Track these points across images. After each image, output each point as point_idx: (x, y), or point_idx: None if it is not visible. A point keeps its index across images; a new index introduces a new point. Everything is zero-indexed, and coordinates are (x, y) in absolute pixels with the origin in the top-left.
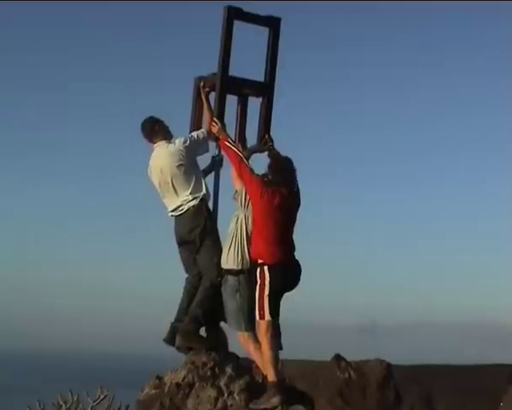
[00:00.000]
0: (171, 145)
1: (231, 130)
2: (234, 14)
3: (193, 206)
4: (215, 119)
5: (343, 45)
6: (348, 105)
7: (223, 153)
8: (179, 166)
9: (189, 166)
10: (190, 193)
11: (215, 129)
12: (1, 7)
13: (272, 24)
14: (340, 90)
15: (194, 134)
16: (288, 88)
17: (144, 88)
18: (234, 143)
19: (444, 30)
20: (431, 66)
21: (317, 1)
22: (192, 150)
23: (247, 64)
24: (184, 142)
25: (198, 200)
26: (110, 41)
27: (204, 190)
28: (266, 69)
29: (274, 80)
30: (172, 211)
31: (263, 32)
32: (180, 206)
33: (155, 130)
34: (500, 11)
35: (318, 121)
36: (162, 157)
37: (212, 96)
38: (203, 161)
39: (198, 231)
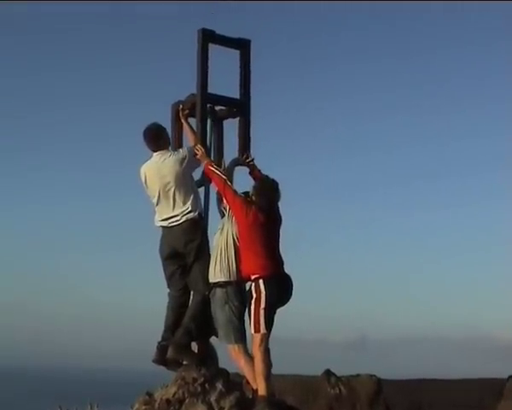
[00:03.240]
0: (178, 153)
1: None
2: (208, 36)
3: (192, 218)
4: (198, 145)
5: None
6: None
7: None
8: (186, 175)
9: (190, 179)
10: (190, 205)
11: (199, 154)
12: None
13: (242, 46)
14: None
15: (191, 149)
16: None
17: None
18: (217, 167)
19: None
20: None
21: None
22: (193, 163)
23: (222, 87)
24: (189, 152)
25: (197, 213)
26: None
27: (202, 207)
28: (240, 90)
29: (249, 100)
30: (163, 220)
31: (233, 55)
32: (175, 216)
33: (160, 137)
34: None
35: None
36: (169, 164)
37: (192, 120)
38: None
39: (194, 245)
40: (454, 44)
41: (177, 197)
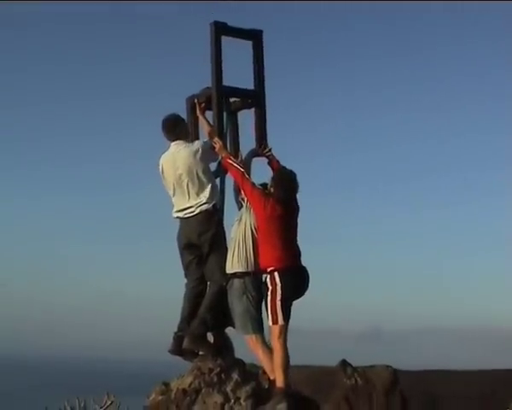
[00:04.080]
0: (193, 145)
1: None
2: (220, 29)
3: (206, 210)
4: (216, 138)
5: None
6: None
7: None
8: (199, 167)
9: (206, 170)
10: (204, 197)
11: (217, 147)
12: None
13: (254, 37)
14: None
15: (209, 142)
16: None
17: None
18: (235, 159)
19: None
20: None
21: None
22: (209, 155)
23: (237, 80)
24: (204, 144)
25: (211, 205)
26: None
27: (217, 197)
28: (255, 80)
29: (264, 90)
30: (179, 211)
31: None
32: (190, 207)
33: (178, 128)
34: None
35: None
36: (183, 155)
37: (207, 113)
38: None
39: (208, 235)
40: (454, 42)
41: (190, 189)
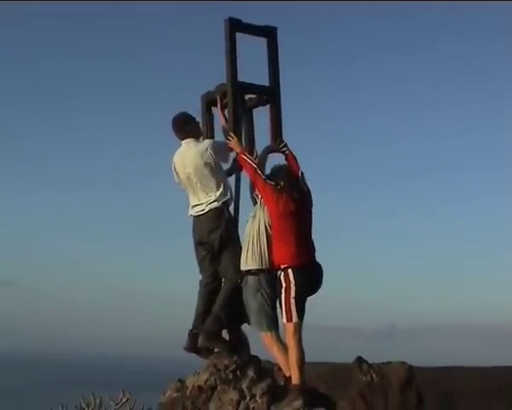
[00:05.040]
0: (201, 144)
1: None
2: (235, 25)
3: (215, 208)
4: (231, 133)
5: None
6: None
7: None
8: (207, 166)
9: (215, 168)
10: (214, 195)
11: (232, 143)
12: None
13: (269, 33)
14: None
15: (221, 141)
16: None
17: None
18: (249, 155)
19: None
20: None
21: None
22: (219, 154)
23: (252, 77)
24: (213, 144)
25: (220, 203)
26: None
27: (228, 195)
28: (270, 77)
29: (279, 86)
30: (191, 209)
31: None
32: (200, 205)
33: (188, 126)
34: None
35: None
36: (191, 155)
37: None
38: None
39: (218, 234)
40: (454, 42)
41: (199, 187)
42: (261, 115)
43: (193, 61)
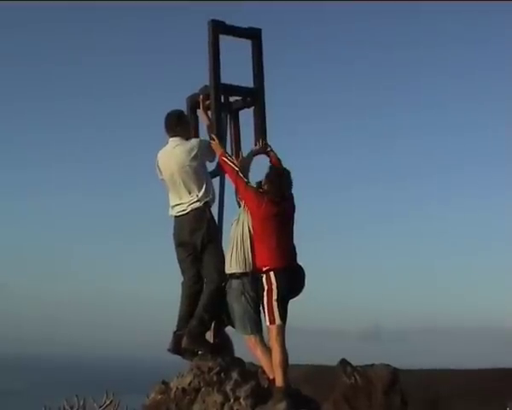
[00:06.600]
0: (188, 143)
1: (226, 146)
2: (218, 27)
3: (196, 208)
4: (213, 135)
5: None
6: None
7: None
8: (192, 165)
9: (199, 168)
10: (196, 195)
11: (213, 144)
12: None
13: (253, 35)
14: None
15: (207, 140)
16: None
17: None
18: (231, 157)
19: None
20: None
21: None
22: (206, 153)
23: (235, 77)
24: (200, 143)
25: (202, 203)
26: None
27: (211, 196)
28: (254, 79)
29: (263, 88)
30: (172, 208)
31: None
32: (181, 204)
33: (178, 124)
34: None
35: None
36: (176, 153)
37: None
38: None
39: (199, 234)
40: (454, 42)
41: (182, 187)
42: (249, 117)
43: (181, 62)
